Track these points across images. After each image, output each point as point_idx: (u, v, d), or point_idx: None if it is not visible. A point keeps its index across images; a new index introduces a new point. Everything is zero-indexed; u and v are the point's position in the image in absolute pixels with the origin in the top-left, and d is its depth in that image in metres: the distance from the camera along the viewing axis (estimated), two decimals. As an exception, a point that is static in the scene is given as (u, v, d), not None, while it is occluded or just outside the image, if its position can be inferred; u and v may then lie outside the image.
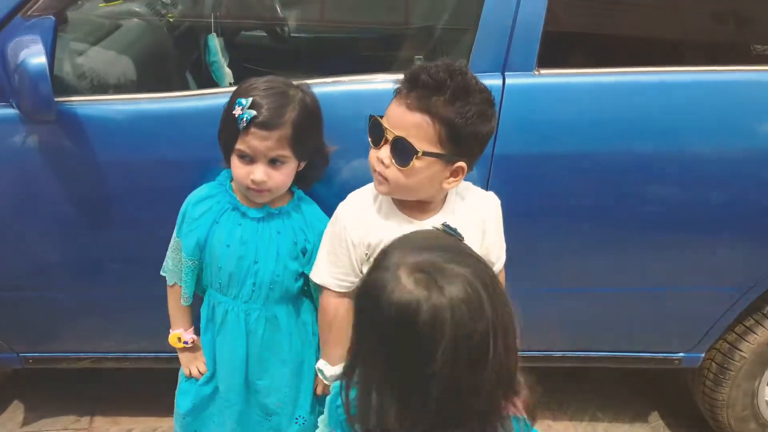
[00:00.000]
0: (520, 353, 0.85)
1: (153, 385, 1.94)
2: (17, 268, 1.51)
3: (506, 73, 1.37)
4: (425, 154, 1.10)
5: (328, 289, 1.27)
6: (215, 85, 2.03)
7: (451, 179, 1.16)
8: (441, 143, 1.10)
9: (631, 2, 1.49)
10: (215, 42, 2.07)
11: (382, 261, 0.83)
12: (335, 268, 1.25)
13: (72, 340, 1.65)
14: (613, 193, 1.45)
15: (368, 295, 0.81)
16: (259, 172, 1.21)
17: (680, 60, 1.43)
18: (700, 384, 1.82)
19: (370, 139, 1.17)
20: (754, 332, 1.68)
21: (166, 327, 1.44)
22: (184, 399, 1.44)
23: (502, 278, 1.37)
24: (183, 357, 1.44)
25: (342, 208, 1.26)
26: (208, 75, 2.08)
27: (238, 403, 1.38)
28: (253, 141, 1.19)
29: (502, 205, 1.30)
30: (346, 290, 1.27)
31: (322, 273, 1.26)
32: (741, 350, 1.70)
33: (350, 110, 1.37)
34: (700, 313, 1.63)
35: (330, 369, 1.32)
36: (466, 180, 1.23)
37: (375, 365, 0.81)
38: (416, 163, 1.11)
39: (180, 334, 1.41)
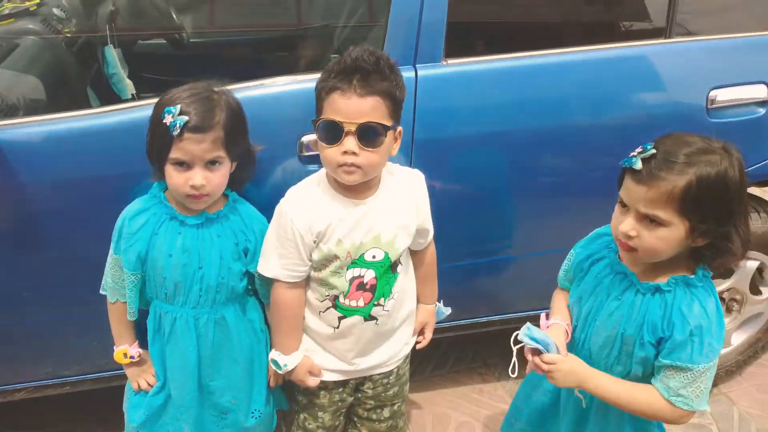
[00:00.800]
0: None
1: (96, 403, 1.91)
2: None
3: (417, 65, 1.48)
4: (390, 128, 1.23)
5: (280, 281, 1.33)
6: (117, 97, 2.00)
7: (395, 144, 1.29)
8: (390, 115, 1.23)
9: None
10: (112, 53, 2.04)
11: (704, 157, 1.08)
12: (285, 260, 1.31)
13: (4, 373, 1.59)
14: (520, 167, 1.60)
15: (728, 181, 1.08)
16: (198, 176, 1.24)
17: (570, 41, 1.59)
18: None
19: (324, 141, 1.24)
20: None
21: (105, 346, 1.44)
22: (135, 412, 1.44)
23: (432, 249, 1.49)
24: (130, 372, 1.44)
25: (284, 202, 1.32)
26: (109, 88, 2.04)
27: (193, 406, 1.41)
28: (189, 146, 1.22)
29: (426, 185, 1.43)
30: (297, 280, 1.33)
31: (272, 267, 1.32)
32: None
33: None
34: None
35: (284, 358, 1.38)
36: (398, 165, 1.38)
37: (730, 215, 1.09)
38: (384, 139, 1.22)
39: (126, 349, 1.41)
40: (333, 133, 1.22)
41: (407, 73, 1.45)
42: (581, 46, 1.57)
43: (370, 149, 1.22)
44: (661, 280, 1.16)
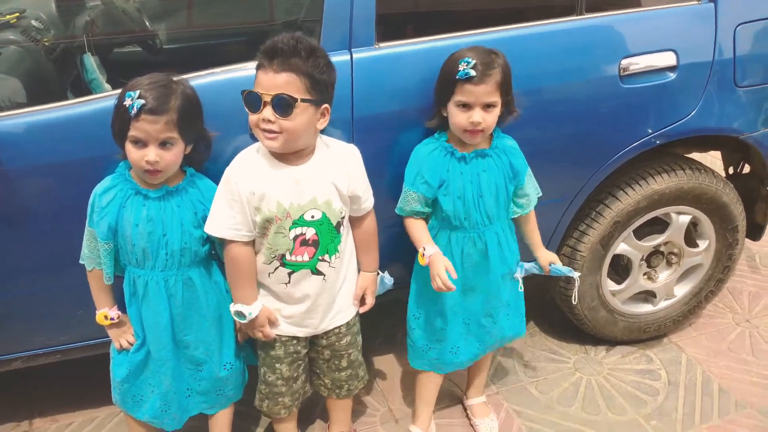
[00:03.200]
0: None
1: (83, 379, 2.10)
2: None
3: (353, 50, 1.66)
4: (302, 101, 1.41)
5: (231, 241, 1.51)
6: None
7: (321, 120, 1.48)
8: (308, 92, 1.42)
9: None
10: (91, 60, 2.22)
11: (495, 55, 1.58)
12: (233, 221, 1.49)
13: (1, 343, 1.77)
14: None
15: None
16: (151, 153, 1.41)
17: (488, 23, 1.76)
18: (555, 285, 2.21)
19: (248, 108, 1.44)
20: (587, 234, 2.07)
21: (90, 315, 1.62)
22: (119, 368, 1.62)
23: (371, 218, 1.68)
24: (112, 333, 1.62)
25: (230, 168, 1.51)
26: (89, 92, 2.22)
27: (170, 359, 1.59)
28: (145, 125, 1.40)
29: (369, 157, 1.62)
30: (246, 239, 1.51)
31: (221, 227, 1.50)
32: (580, 250, 2.09)
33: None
34: (543, 224, 1.97)
35: (247, 308, 1.55)
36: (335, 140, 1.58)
37: None
38: (296, 110, 1.40)
39: (106, 312, 1.59)
40: (253, 102, 1.43)
41: (344, 57, 1.64)
42: (499, 27, 1.75)
43: (284, 118, 1.41)
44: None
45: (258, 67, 1.43)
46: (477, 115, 1.57)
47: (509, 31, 1.76)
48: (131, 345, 1.61)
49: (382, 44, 1.68)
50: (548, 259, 1.84)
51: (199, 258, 1.56)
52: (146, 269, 1.53)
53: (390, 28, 1.70)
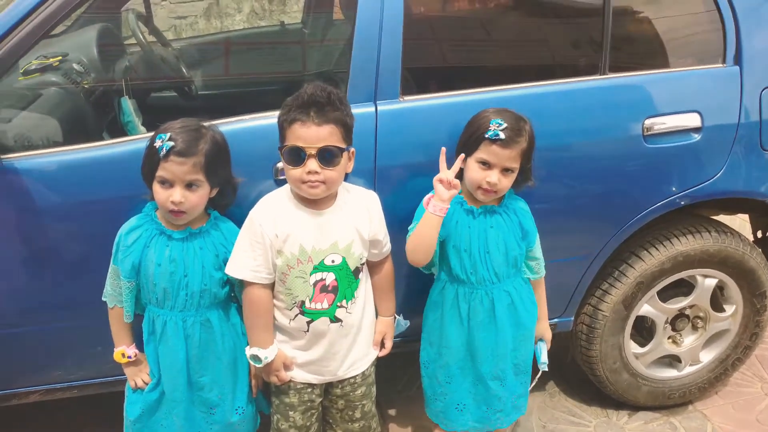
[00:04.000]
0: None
1: (95, 417, 2.09)
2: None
3: (378, 102, 1.70)
4: (345, 149, 1.47)
5: (250, 282, 1.52)
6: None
7: (350, 163, 1.53)
8: (344, 139, 1.48)
9: (467, 40, 1.88)
10: (128, 103, 2.30)
11: (524, 123, 1.61)
12: (254, 263, 1.51)
13: (20, 376, 1.79)
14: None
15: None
16: (177, 193, 1.45)
17: (512, 80, 1.80)
18: (576, 345, 2.17)
19: (289, 164, 1.47)
20: (610, 293, 2.04)
21: (108, 352, 1.64)
22: (133, 407, 1.63)
23: (388, 264, 1.68)
24: (128, 371, 1.63)
25: (255, 210, 1.54)
26: (124, 134, 2.30)
27: (183, 400, 1.59)
28: (172, 167, 1.44)
29: (389, 206, 1.66)
30: (265, 281, 1.53)
31: (242, 269, 1.52)
32: (602, 310, 2.06)
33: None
34: (563, 281, 1.97)
35: (263, 352, 1.56)
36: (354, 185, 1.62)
37: None
38: (341, 159, 1.46)
39: (123, 350, 1.61)
40: (297, 157, 1.45)
41: (368, 109, 1.68)
42: (522, 83, 1.78)
43: (329, 168, 1.45)
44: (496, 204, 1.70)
45: (292, 121, 1.46)
46: (494, 176, 1.59)
47: (533, 88, 1.78)
48: (146, 384, 1.62)
49: (406, 97, 1.72)
50: (540, 334, 1.84)
51: (218, 300, 1.58)
52: (165, 309, 1.54)
53: (415, 82, 1.74)
